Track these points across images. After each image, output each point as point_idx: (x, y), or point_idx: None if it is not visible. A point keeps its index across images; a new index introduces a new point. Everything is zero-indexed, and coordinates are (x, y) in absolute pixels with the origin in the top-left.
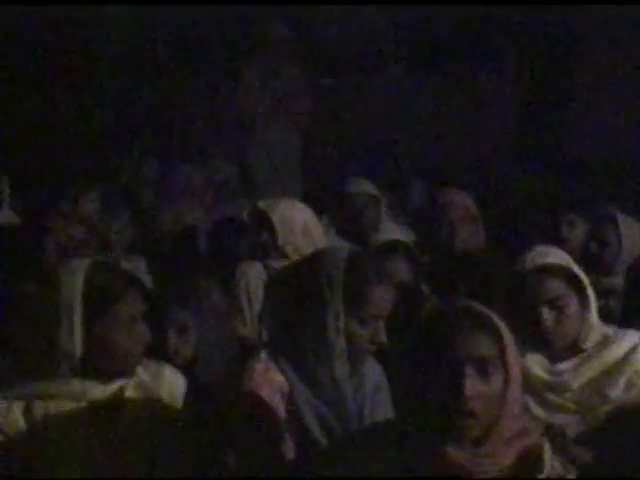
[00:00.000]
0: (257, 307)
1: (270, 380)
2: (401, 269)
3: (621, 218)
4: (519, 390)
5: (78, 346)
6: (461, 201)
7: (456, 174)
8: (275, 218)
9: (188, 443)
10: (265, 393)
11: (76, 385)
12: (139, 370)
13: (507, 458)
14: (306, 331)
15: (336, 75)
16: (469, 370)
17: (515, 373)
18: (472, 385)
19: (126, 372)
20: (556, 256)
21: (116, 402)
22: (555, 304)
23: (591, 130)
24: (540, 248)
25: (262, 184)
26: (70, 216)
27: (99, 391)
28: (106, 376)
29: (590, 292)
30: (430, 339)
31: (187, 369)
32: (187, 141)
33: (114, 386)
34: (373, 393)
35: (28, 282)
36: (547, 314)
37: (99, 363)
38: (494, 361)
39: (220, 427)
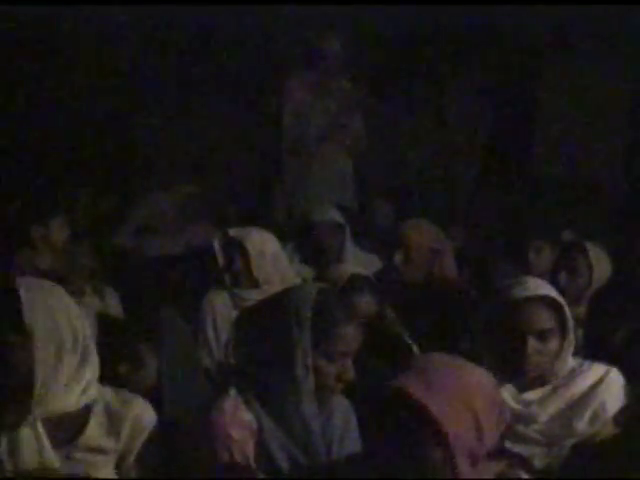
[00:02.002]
0: (223, 337)
1: (239, 419)
2: (364, 303)
3: (590, 248)
4: None
5: None
6: (425, 229)
7: (423, 195)
8: (250, 246)
9: None
10: (234, 431)
11: None
12: (110, 394)
13: None
14: (274, 368)
15: None
16: None
17: None
18: None
19: None
20: (546, 288)
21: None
22: (543, 336)
23: (558, 151)
24: (527, 278)
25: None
26: (39, 243)
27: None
28: None
29: (571, 327)
30: None
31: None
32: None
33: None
34: (342, 429)
35: None
36: (534, 345)
37: None
38: None
39: (187, 468)
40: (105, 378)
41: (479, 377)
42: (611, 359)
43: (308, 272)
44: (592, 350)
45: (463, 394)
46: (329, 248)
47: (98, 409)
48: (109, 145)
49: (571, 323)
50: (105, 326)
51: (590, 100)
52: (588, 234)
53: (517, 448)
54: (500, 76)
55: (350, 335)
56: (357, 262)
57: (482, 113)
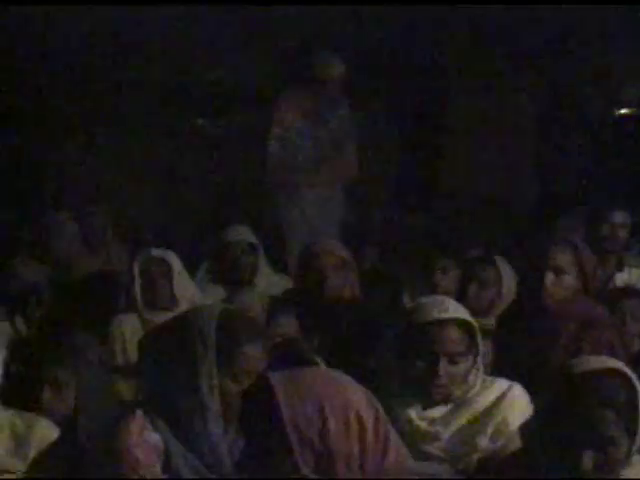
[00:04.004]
0: (134, 360)
1: (145, 440)
2: (285, 324)
3: (500, 260)
4: None
5: None
6: (333, 249)
7: None
8: (174, 265)
9: None
10: (140, 453)
11: None
12: (15, 419)
13: None
14: (180, 389)
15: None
16: None
17: None
18: None
19: None
20: (460, 311)
21: None
22: (454, 358)
23: (469, 167)
24: (443, 299)
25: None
26: None
27: None
28: None
29: (481, 351)
30: None
31: (69, 425)
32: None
33: None
34: None
35: None
36: (445, 366)
37: None
38: None
39: None
40: (29, 405)
41: (352, 392)
42: (517, 373)
43: (220, 295)
44: (499, 364)
45: (318, 398)
46: (242, 268)
47: (3, 436)
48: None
49: (481, 347)
50: (21, 353)
51: (497, 117)
52: (495, 251)
53: (421, 466)
54: (406, 95)
55: (255, 355)
56: (269, 282)
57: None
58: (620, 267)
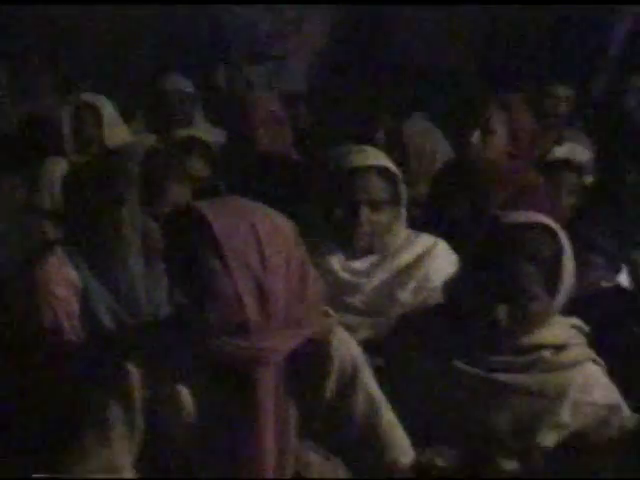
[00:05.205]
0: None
1: (63, 276)
2: (196, 166)
3: (435, 130)
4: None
5: None
6: (265, 103)
7: None
8: (105, 112)
9: None
10: (57, 287)
11: None
12: None
13: (287, 344)
14: (102, 227)
15: None
16: None
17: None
18: None
19: None
20: (382, 159)
21: None
22: (376, 206)
23: (409, 38)
24: (365, 147)
25: None
26: None
27: None
28: None
29: (404, 199)
30: None
31: None
32: None
33: None
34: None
35: None
36: (366, 214)
37: None
38: None
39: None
40: None
41: (280, 219)
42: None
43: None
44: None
45: (248, 218)
46: (179, 116)
47: None
48: None
49: (405, 195)
50: None
51: None
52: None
53: (342, 317)
54: None
55: (178, 194)
56: (206, 135)
57: None
58: (560, 141)
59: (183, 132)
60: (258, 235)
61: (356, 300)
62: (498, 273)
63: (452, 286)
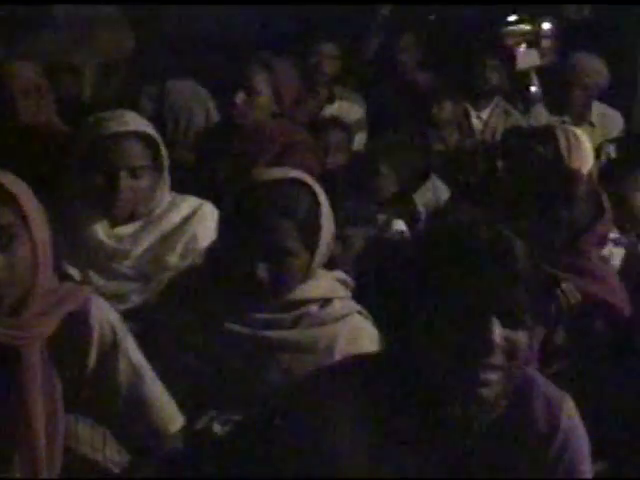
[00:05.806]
0: None
1: None
2: None
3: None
4: (49, 256)
5: None
6: (24, 72)
7: None
8: None
9: None
10: None
11: None
12: None
13: (49, 325)
14: None
15: None
16: None
17: (40, 239)
18: None
19: None
20: (141, 124)
21: None
22: (135, 172)
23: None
24: (118, 112)
25: None
26: None
27: None
28: None
29: (166, 164)
30: None
31: None
32: None
33: None
34: None
35: None
36: (125, 181)
37: None
38: (16, 230)
39: None
40: None
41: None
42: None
43: None
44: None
45: None
46: None
47: None
48: None
49: (166, 160)
50: None
51: None
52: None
53: (111, 285)
54: None
55: None
56: None
57: None
58: (331, 100)
59: None
60: None
61: (124, 267)
62: (255, 230)
63: (214, 247)
